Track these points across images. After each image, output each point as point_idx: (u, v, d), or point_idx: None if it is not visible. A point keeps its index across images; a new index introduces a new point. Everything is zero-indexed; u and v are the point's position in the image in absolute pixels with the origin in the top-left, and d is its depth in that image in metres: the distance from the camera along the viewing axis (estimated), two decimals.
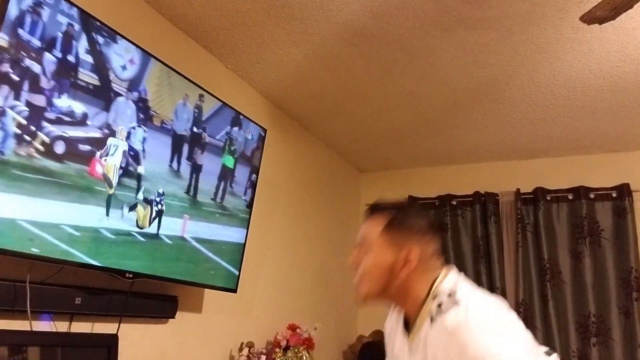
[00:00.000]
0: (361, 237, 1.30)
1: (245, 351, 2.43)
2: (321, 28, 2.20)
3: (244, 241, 2.37)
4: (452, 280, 1.22)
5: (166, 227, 1.93)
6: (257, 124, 2.45)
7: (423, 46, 2.31)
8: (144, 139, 1.83)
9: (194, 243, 2.08)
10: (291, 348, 2.55)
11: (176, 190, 2.00)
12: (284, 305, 2.98)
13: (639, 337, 3.12)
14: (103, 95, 1.67)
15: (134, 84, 1.79)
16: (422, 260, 1.23)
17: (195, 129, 2.07)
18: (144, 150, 1.83)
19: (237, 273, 2.31)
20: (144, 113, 1.83)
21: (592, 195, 3.43)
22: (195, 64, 2.33)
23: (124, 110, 1.75)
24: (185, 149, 2.03)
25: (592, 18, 1.62)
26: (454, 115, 3.01)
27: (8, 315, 1.50)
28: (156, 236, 1.89)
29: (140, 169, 1.81)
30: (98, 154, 1.64)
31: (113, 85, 1.70)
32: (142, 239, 1.83)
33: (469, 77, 2.57)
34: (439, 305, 1.16)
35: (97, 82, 1.64)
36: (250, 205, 2.41)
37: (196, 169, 2.10)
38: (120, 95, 1.73)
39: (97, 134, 1.65)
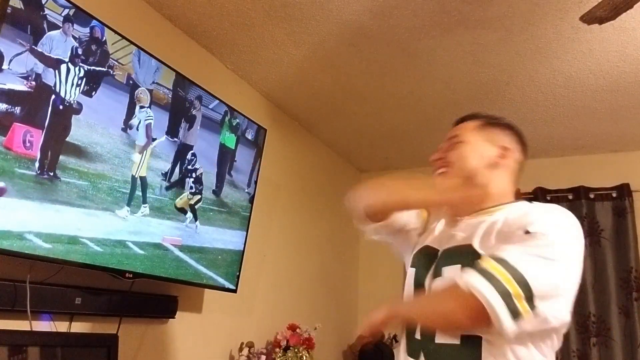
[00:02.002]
0: (451, 135, 1.27)
1: (245, 351, 2.43)
2: (321, 28, 2.20)
3: (242, 247, 2.24)
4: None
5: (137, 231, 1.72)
6: (257, 124, 2.45)
7: (423, 46, 2.31)
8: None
9: (178, 252, 1.86)
10: (291, 348, 2.55)
11: (154, 178, 1.78)
12: (284, 305, 2.98)
13: (639, 337, 3.12)
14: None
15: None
16: (513, 163, 1.22)
17: (180, 92, 1.80)
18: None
19: (237, 274, 2.31)
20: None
21: (592, 195, 3.43)
22: (195, 64, 2.33)
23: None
24: (165, 120, 1.73)
25: (592, 18, 1.62)
26: (454, 115, 2.98)
27: (8, 315, 1.50)
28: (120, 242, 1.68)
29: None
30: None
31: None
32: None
33: (469, 77, 2.57)
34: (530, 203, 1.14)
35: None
36: (252, 200, 2.37)
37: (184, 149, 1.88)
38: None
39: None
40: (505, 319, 0.94)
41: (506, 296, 0.95)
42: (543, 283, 0.98)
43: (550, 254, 1.00)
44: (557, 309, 1.01)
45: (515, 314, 0.95)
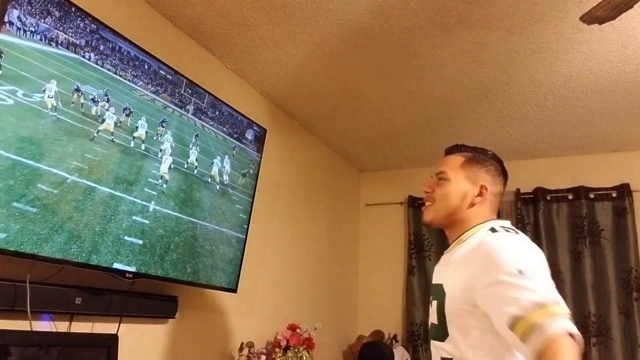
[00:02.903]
0: (440, 169, 1.47)
1: (245, 351, 2.43)
2: (321, 28, 2.20)
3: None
4: (509, 224, 1.38)
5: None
6: (257, 124, 2.45)
7: (423, 46, 2.31)
8: None
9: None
10: (291, 348, 2.55)
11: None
12: (284, 305, 2.98)
13: (639, 337, 3.12)
14: None
15: None
16: (490, 197, 1.42)
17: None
18: None
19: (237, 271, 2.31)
20: None
21: (592, 195, 3.43)
22: (195, 64, 2.33)
23: None
24: None
25: (592, 18, 1.62)
26: (454, 115, 3.01)
27: (8, 315, 1.50)
28: None
29: None
30: None
31: None
32: None
33: (469, 77, 2.57)
34: (492, 229, 1.32)
35: None
36: (251, 201, 2.40)
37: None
38: None
39: None
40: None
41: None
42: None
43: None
44: None
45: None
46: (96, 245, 1.59)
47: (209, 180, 2.16)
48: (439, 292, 1.34)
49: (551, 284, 1.16)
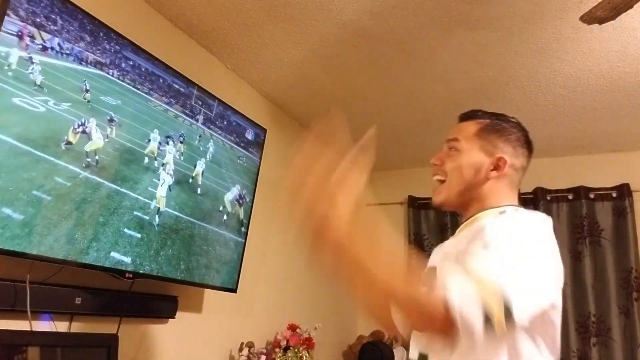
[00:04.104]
0: (451, 137, 1.27)
1: (245, 351, 2.43)
2: (321, 28, 2.20)
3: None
4: (520, 208, 1.19)
5: None
6: (257, 124, 2.45)
7: (423, 46, 2.31)
8: None
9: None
10: (291, 348, 2.55)
11: None
12: (284, 305, 2.97)
13: (639, 337, 3.12)
14: None
15: None
16: (509, 171, 1.21)
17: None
18: None
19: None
20: None
21: (592, 195, 3.43)
22: (195, 64, 2.33)
23: None
24: None
25: (592, 18, 1.62)
26: (454, 115, 2.98)
27: (8, 315, 1.50)
28: None
29: None
30: None
31: None
32: None
33: (468, 77, 2.57)
34: (502, 211, 1.13)
35: None
36: (251, 201, 2.39)
37: None
38: None
39: None
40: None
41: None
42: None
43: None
44: None
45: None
46: (97, 234, 1.64)
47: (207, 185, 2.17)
48: (432, 276, 1.09)
49: (529, 271, 0.95)
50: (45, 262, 1.52)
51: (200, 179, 2.11)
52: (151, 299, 1.99)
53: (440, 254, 1.25)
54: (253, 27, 2.22)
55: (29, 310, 1.50)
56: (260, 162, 2.47)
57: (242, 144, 2.39)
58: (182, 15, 2.16)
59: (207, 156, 2.15)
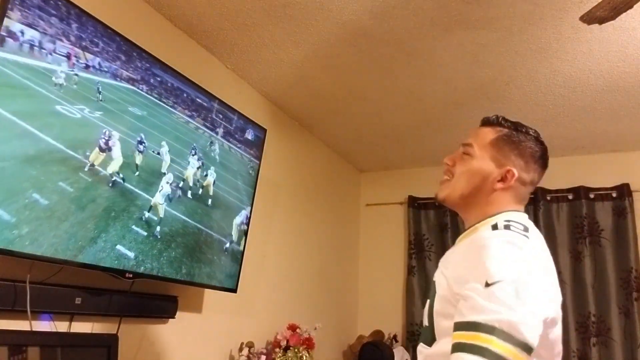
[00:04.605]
0: (467, 141, 1.29)
1: (245, 351, 2.43)
2: (321, 28, 2.20)
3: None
4: (521, 217, 1.21)
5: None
6: (257, 124, 2.45)
7: (423, 46, 2.31)
8: None
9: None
10: (291, 348, 2.55)
11: None
12: (284, 305, 2.98)
13: (639, 337, 3.12)
14: None
15: None
16: (516, 185, 1.22)
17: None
18: None
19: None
20: None
21: (592, 195, 3.43)
22: (195, 64, 2.33)
23: None
24: None
25: (592, 18, 1.62)
26: (454, 115, 3.01)
27: (8, 315, 1.50)
28: None
29: None
30: None
31: None
32: None
33: (468, 77, 2.57)
34: (494, 225, 1.15)
35: None
36: (251, 201, 2.41)
37: None
38: None
39: None
40: None
41: None
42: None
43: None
44: None
45: None
46: (107, 227, 1.70)
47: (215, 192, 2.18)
48: (432, 291, 1.19)
49: (532, 298, 0.99)
50: (45, 262, 1.52)
51: (211, 189, 2.19)
52: (151, 299, 1.99)
53: (441, 266, 1.25)
54: (253, 27, 2.22)
55: (29, 310, 1.50)
56: (260, 162, 2.47)
57: (255, 156, 2.47)
58: (182, 15, 2.16)
59: (220, 165, 2.24)
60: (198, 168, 2.11)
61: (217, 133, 2.23)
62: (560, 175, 3.53)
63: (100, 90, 1.69)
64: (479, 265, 1.03)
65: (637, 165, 3.41)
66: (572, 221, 3.44)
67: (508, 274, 1.00)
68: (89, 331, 1.76)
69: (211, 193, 2.19)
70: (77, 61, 1.61)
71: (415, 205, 3.87)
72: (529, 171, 1.23)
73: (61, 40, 1.56)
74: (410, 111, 3.00)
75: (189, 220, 2.05)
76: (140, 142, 1.85)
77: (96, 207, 1.67)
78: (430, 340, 1.16)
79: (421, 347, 1.21)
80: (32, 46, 1.48)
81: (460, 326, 1.00)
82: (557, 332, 1.13)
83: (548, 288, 1.08)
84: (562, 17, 2.04)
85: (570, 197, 3.48)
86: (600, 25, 1.74)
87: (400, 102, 2.89)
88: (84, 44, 1.63)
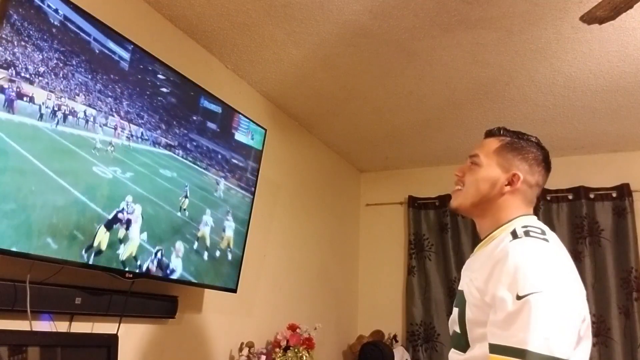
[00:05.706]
0: (473, 152, 1.39)
1: (245, 351, 2.43)
2: (321, 28, 2.20)
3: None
4: (535, 221, 1.28)
5: None
6: (257, 124, 2.45)
7: (423, 46, 2.31)
8: None
9: None
10: (291, 348, 2.55)
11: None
12: (284, 305, 2.98)
13: (639, 337, 3.12)
14: None
15: None
16: (523, 187, 1.32)
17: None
18: None
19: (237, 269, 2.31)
20: None
21: (592, 195, 3.43)
22: (195, 64, 2.33)
23: None
24: None
25: (592, 18, 1.62)
26: (454, 115, 3.01)
27: (8, 315, 1.50)
28: None
29: None
30: None
31: None
32: None
33: (468, 77, 2.57)
34: (513, 232, 1.21)
35: None
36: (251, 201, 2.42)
37: None
38: None
39: None
40: None
41: None
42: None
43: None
44: None
45: None
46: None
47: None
48: (461, 300, 1.27)
49: (562, 309, 1.08)
50: (45, 262, 1.52)
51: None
52: (151, 299, 1.98)
53: (465, 275, 1.33)
54: (253, 27, 2.22)
55: (29, 310, 1.50)
56: (260, 162, 2.46)
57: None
58: (182, 15, 2.17)
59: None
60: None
61: (252, 194, 2.37)
62: (560, 175, 3.53)
63: (137, 155, 1.82)
64: (507, 276, 1.11)
65: (637, 165, 3.41)
66: (572, 221, 3.44)
67: (537, 286, 1.07)
68: (89, 331, 1.76)
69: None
70: (122, 131, 1.77)
71: (415, 205, 3.87)
72: (533, 174, 1.33)
73: (112, 115, 1.73)
74: (410, 111, 3.00)
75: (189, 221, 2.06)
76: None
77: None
78: (464, 347, 1.24)
79: (454, 354, 1.30)
80: (87, 121, 1.64)
81: (496, 349, 1.07)
82: (587, 321, 1.29)
83: (576, 287, 1.16)
84: (562, 17, 2.04)
85: (570, 197, 3.48)
86: (600, 25, 1.74)
87: (400, 102, 2.89)
88: (130, 117, 1.79)
